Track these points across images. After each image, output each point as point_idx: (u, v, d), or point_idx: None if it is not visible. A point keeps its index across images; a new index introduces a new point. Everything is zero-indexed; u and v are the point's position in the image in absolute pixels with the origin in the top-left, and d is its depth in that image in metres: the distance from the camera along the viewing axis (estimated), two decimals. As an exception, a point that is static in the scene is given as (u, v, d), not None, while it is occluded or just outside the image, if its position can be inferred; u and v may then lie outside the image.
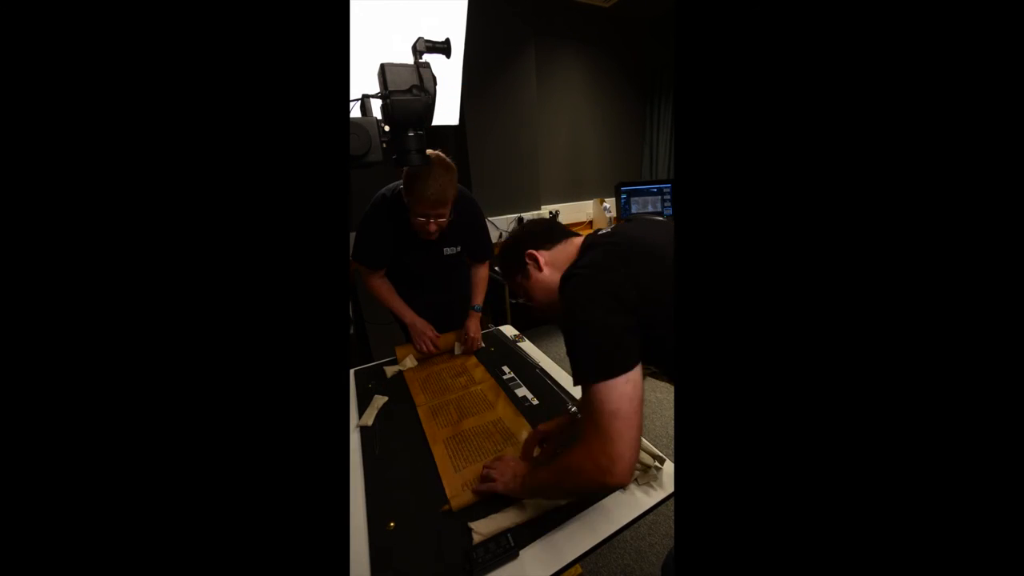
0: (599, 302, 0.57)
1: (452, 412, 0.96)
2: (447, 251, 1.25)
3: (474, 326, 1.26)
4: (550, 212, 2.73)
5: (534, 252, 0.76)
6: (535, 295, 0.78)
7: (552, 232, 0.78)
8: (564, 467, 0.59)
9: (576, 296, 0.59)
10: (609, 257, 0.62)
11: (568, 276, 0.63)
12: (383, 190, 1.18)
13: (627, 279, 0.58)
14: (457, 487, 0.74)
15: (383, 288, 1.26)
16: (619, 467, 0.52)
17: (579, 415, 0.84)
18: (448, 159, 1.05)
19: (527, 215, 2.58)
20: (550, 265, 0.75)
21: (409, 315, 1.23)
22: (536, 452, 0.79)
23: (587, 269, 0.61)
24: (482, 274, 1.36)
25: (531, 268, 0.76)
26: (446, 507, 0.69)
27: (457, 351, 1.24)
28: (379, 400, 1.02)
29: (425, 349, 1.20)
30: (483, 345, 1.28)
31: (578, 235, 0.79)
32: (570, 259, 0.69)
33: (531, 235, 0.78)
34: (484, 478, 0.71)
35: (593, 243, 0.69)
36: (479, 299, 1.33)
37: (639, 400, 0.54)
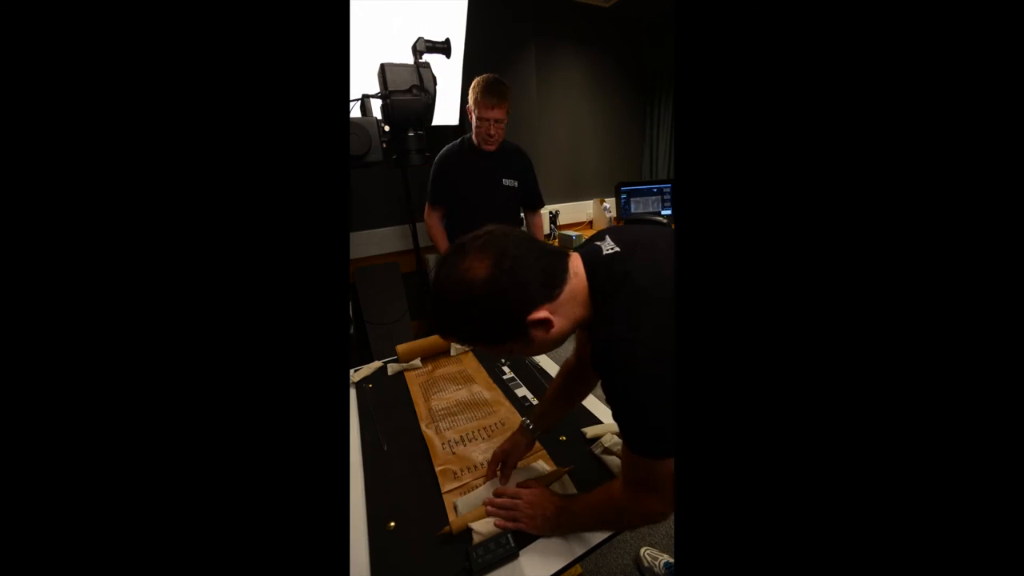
0: (665, 375, 0.47)
1: (451, 419, 0.94)
2: (506, 182, 1.53)
3: None
4: (550, 212, 2.73)
5: (540, 316, 0.50)
6: (532, 352, 0.57)
7: (552, 271, 0.52)
8: (609, 515, 0.62)
9: (637, 372, 0.49)
10: (658, 311, 0.49)
11: (613, 342, 0.50)
12: (459, 139, 1.55)
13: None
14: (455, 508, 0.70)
15: (439, 232, 1.61)
16: (670, 511, 0.55)
17: (534, 431, 0.77)
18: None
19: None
20: (559, 315, 0.52)
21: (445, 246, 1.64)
22: (498, 472, 0.74)
23: (640, 332, 0.49)
24: (537, 222, 1.75)
25: (536, 332, 0.52)
26: (446, 529, 0.65)
27: (453, 352, 1.24)
28: (376, 364, 1.13)
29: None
30: None
31: (567, 253, 0.56)
32: (579, 299, 0.53)
33: (528, 289, 0.50)
34: (509, 518, 0.65)
35: (616, 277, 0.52)
36: None
37: None
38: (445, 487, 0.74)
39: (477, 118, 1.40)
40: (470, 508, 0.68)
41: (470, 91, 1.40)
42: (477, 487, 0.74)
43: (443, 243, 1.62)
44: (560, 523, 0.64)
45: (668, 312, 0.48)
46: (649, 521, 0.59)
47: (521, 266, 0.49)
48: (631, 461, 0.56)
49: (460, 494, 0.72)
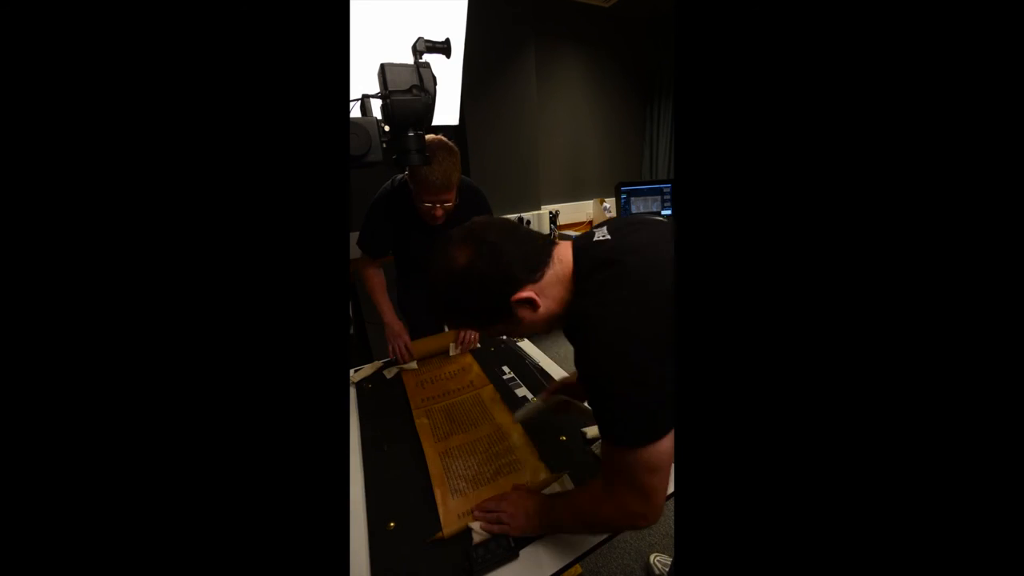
0: (634, 351, 0.46)
1: (447, 423, 0.92)
2: None
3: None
4: (550, 212, 2.73)
5: (524, 295, 0.53)
6: (524, 332, 0.60)
7: (535, 254, 0.55)
8: (588, 512, 0.56)
9: (604, 345, 0.48)
10: (635, 289, 0.49)
11: (584, 315, 0.50)
12: (390, 180, 1.18)
13: (660, 317, 0.47)
14: (452, 516, 0.68)
15: (375, 280, 1.24)
16: (653, 515, 0.51)
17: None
18: (450, 143, 1.03)
19: (527, 215, 2.58)
20: (545, 296, 0.55)
21: (388, 315, 1.19)
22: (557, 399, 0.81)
23: (611, 308, 0.49)
24: None
25: (523, 312, 0.55)
26: (439, 535, 0.64)
27: (452, 352, 1.24)
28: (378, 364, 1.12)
29: (397, 355, 1.14)
30: (478, 345, 1.26)
31: (554, 242, 0.60)
32: (565, 281, 0.55)
33: (509, 271, 0.52)
34: (492, 520, 0.64)
35: (599, 259, 0.53)
36: None
37: (672, 452, 0.48)
38: (436, 487, 0.74)
39: (420, 200, 1.06)
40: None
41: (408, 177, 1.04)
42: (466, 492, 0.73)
43: (382, 298, 1.23)
44: (542, 521, 0.62)
45: (647, 293, 0.49)
46: (630, 521, 0.52)
47: (500, 251, 0.52)
48: (606, 452, 0.53)
49: (457, 517, 0.69)
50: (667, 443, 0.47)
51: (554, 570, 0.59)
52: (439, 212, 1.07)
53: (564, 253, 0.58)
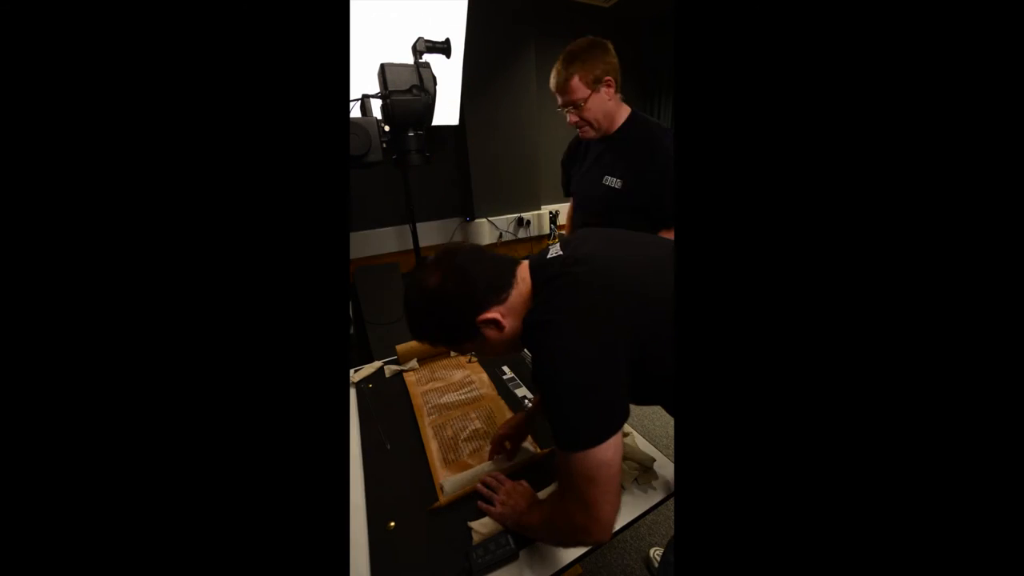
0: (582, 356, 0.49)
1: (452, 430, 0.90)
2: (606, 180, 1.05)
3: None
4: (550, 212, 2.73)
5: (489, 316, 0.56)
6: (492, 352, 0.62)
7: (500, 277, 0.58)
8: (549, 519, 0.57)
9: (554, 351, 0.50)
10: (585, 295, 0.53)
11: (537, 324, 0.53)
12: None
13: (612, 320, 0.50)
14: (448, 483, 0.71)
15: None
16: (596, 528, 0.50)
17: (531, 410, 0.81)
18: (596, 39, 0.90)
19: (527, 215, 2.58)
20: (510, 316, 0.58)
21: None
22: (504, 449, 0.78)
23: (562, 315, 0.52)
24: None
25: (488, 332, 0.58)
26: (436, 504, 0.67)
27: (452, 352, 1.19)
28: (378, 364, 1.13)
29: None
30: None
31: (518, 261, 0.62)
32: (526, 300, 0.58)
33: (475, 293, 0.56)
34: (487, 495, 0.67)
35: (552, 274, 0.56)
36: None
37: (618, 464, 0.49)
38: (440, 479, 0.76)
39: None
40: (458, 487, 0.70)
41: None
42: (471, 466, 0.77)
43: None
44: (521, 523, 0.62)
45: (592, 298, 0.51)
46: (575, 535, 0.52)
47: (467, 274, 0.56)
48: (559, 459, 0.52)
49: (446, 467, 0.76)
50: (603, 453, 0.47)
51: (554, 570, 0.59)
52: (573, 119, 0.96)
53: (524, 272, 0.61)
